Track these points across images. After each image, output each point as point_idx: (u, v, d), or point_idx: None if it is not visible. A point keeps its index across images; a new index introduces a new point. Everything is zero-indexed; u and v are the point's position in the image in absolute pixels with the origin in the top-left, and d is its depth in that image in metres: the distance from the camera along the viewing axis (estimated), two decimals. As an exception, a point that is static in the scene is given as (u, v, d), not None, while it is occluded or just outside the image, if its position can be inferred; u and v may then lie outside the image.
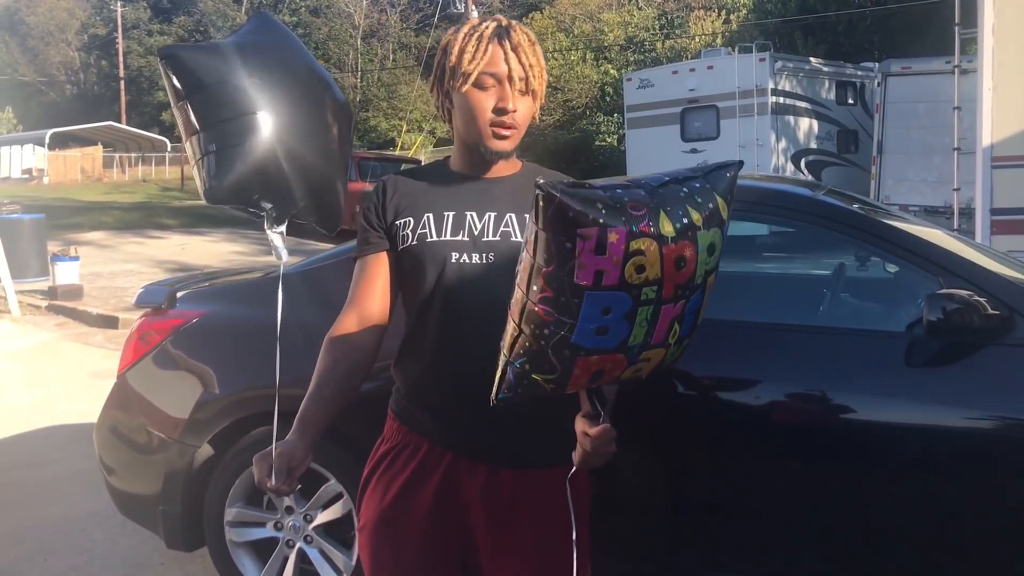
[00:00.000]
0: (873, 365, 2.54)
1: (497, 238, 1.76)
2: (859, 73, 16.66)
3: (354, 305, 1.87)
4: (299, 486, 1.79)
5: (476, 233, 1.77)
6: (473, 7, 30.22)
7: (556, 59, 40.14)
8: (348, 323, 1.86)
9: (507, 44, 1.73)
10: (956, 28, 7.12)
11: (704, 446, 2.63)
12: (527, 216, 1.67)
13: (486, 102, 1.73)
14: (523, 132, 1.77)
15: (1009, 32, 5.80)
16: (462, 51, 1.74)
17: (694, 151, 15.30)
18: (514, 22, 1.78)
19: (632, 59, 36.27)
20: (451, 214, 1.79)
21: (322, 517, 3.01)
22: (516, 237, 1.75)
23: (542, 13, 44.15)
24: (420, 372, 1.82)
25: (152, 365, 3.28)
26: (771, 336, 2.69)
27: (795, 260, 3.78)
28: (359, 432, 2.47)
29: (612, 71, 36.09)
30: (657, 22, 37.21)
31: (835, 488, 2.51)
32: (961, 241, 3.12)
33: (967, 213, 7.47)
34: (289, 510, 3.07)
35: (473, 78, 1.72)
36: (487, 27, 1.75)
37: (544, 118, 40.73)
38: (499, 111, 1.73)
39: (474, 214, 1.78)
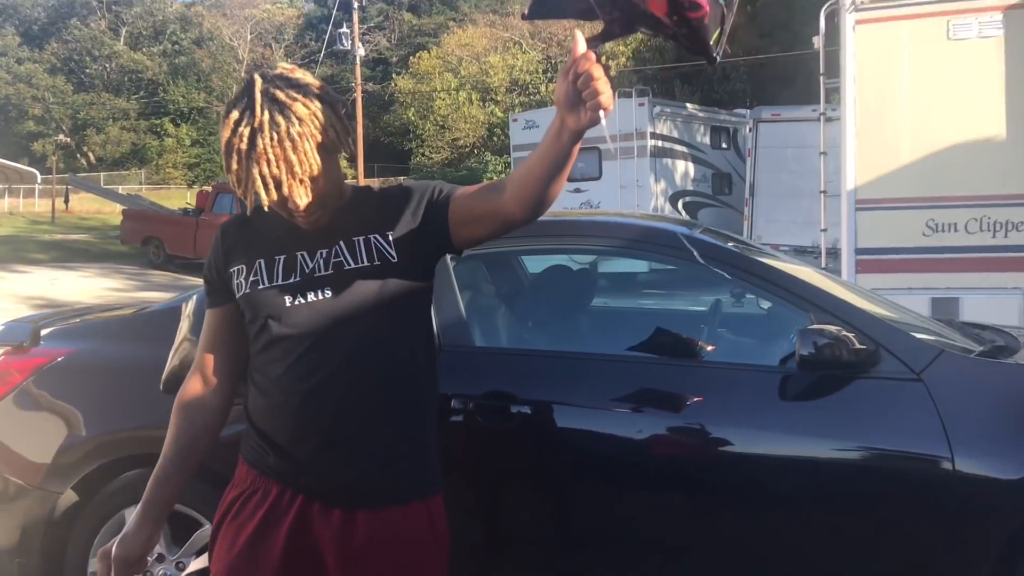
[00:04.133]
0: (749, 398, 2.62)
1: (330, 271, 1.74)
2: (732, 119, 17.38)
3: (198, 364, 1.85)
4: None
5: (308, 271, 1.74)
6: (359, 45, 30.17)
7: (444, 99, 40.46)
8: (193, 385, 1.84)
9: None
10: (821, 78, 7.50)
11: (583, 481, 2.64)
12: (358, 240, 1.72)
13: None
14: (322, 182, 1.67)
15: (870, 83, 6.17)
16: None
17: (578, 191, 15.56)
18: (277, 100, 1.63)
19: (517, 101, 36.87)
20: (282, 257, 1.76)
21: (195, 565, 2.87)
22: (349, 265, 1.74)
23: (429, 53, 44.49)
24: (267, 413, 1.78)
25: (12, 406, 3.09)
26: (651, 371, 2.74)
27: (674, 296, 3.88)
28: (233, 472, 2.38)
29: (498, 112, 36.53)
30: (541, 66, 37.97)
31: (713, 520, 2.56)
32: (829, 279, 3.27)
33: (834, 253, 7.82)
34: (160, 558, 2.92)
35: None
36: (244, 127, 1.62)
37: (432, 156, 40.92)
38: None
39: (305, 253, 1.76)
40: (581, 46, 1.48)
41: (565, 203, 14.98)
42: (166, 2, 57.48)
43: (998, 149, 5.91)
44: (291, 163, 1.60)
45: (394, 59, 52.40)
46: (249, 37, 54.09)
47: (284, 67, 1.72)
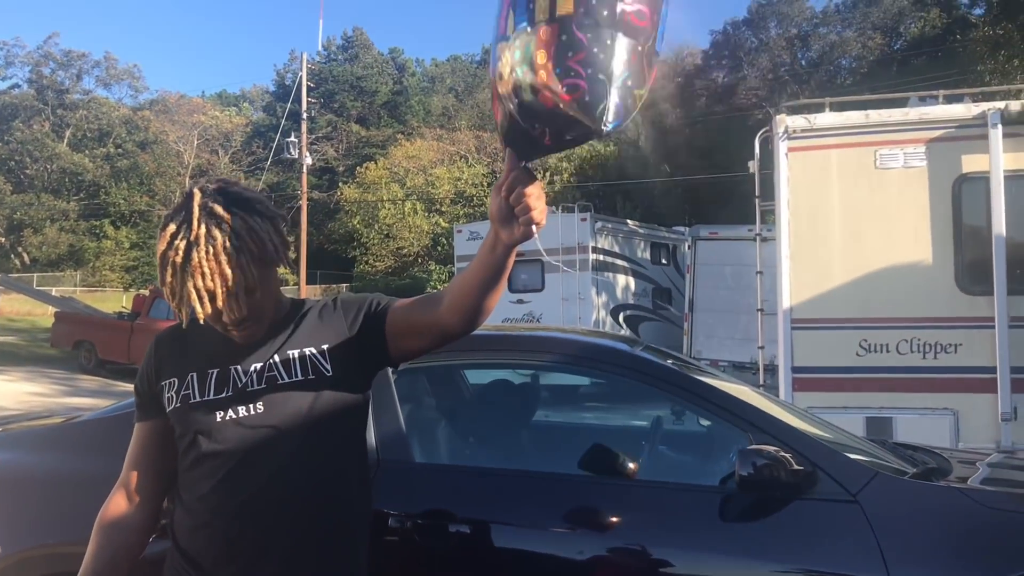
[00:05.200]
0: (690, 519, 2.60)
1: (263, 386, 1.72)
2: (672, 236, 17.84)
3: (123, 480, 1.81)
4: None
5: (240, 386, 1.72)
6: (306, 155, 30.52)
7: (389, 208, 40.86)
8: (116, 502, 1.79)
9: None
10: (756, 200, 7.77)
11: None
12: (293, 354, 1.70)
13: None
14: (259, 295, 1.67)
15: (803, 207, 6.41)
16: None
17: (520, 302, 15.68)
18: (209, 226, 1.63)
19: (462, 212, 37.41)
20: (215, 371, 1.74)
21: None
22: (283, 379, 1.72)
23: (376, 164, 45.14)
24: (192, 533, 1.73)
25: (-79, 521, 2.92)
26: (592, 490, 2.71)
27: (616, 411, 3.88)
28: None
29: (443, 223, 36.98)
30: (486, 179, 38.75)
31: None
32: (767, 398, 3.31)
33: (771, 369, 7.94)
34: None
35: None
36: (181, 240, 1.63)
37: (376, 264, 41.01)
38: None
39: (239, 367, 1.74)
40: (513, 162, 1.52)
41: (507, 314, 15.08)
42: (112, 105, 57.68)
43: (925, 273, 6.14)
44: (226, 277, 1.60)
45: (341, 168, 53.01)
46: (196, 143, 54.34)
47: (225, 180, 1.74)
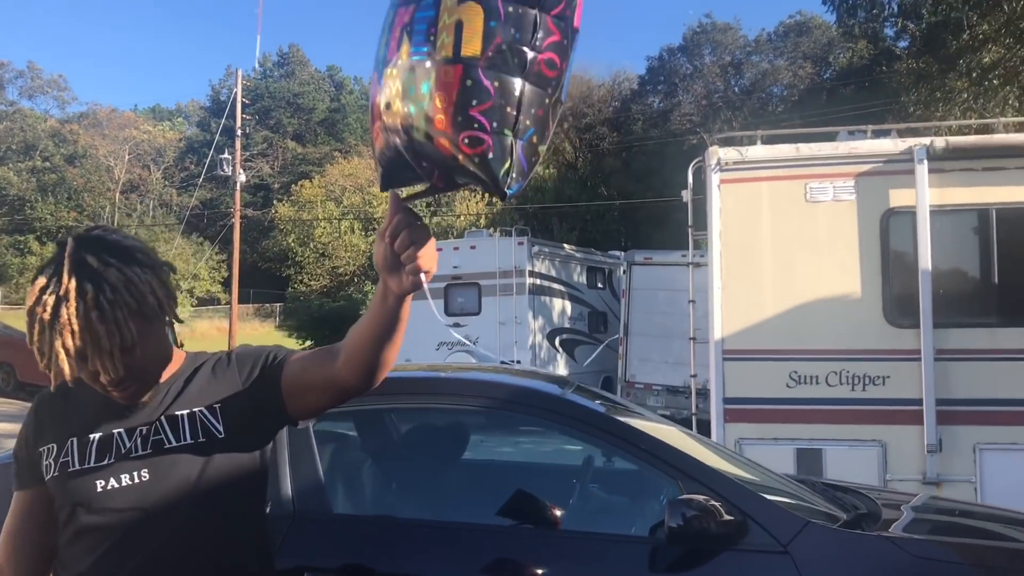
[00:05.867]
0: (620, 571, 2.53)
1: (148, 450, 1.59)
2: (608, 260, 17.94)
3: None
4: None
5: (124, 452, 1.59)
6: (240, 172, 30.04)
7: (325, 227, 40.45)
8: None
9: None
10: (690, 229, 7.81)
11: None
12: (182, 415, 1.59)
13: None
14: (139, 353, 1.55)
15: (735, 238, 6.44)
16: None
17: (457, 325, 15.57)
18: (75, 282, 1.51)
19: (399, 232, 37.12)
20: (97, 436, 1.61)
21: None
22: (170, 443, 1.60)
23: (312, 182, 44.69)
24: None
25: None
26: (520, 541, 2.63)
27: (544, 456, 3.80)
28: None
29: (380, 242, 36.71)
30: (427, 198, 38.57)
31: None
32: (697, 440, 3.27)
33: (704, 393, 7.97)
34: None
35: None
36: (49, 295, 1.51)
37: (310, 283, 40.49)
38: None
39: (122, 431, 1.61)
40: (397, 204, 1.42)
41: (443, 338, 14.96)
42: (38, 117, 56.07)
43: (854, 306, 6.21)
44: (97, 335, 1.47)
45: (276, 185, 52.37)
46: (127, 157, 53.13)
47: (104, 228, 1.62)
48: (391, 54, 1.41)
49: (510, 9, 1.32)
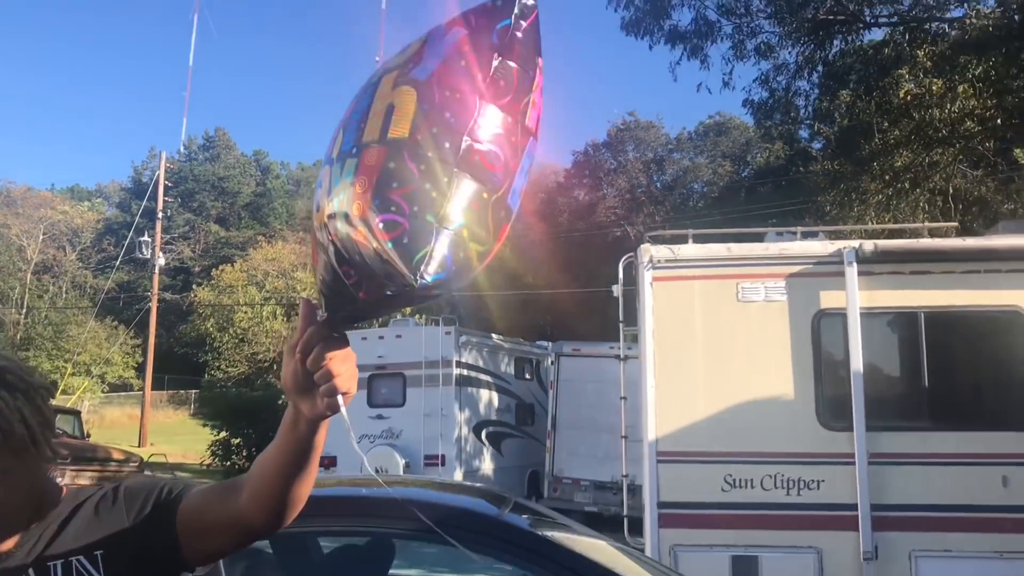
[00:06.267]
0: None
1: None
2: (535, 351, 17.81)
3: None
4: None
5: None
6: (160, 254, 29.35)
7: (246, 312, 39.61)
8: None
9: None
10: (620, 325, 7.72)
11: None
12: (55, 564, 1.37)
13: None
14: (1, 493, 1.35)
15: (668, 337, 6.36)
16: None
17: (380, 416, 15.19)
18: None
19: (323, 318, 36.56)
20: None
21: None
22: None
23: (234, 266, 43.94)
24: None
25: None
26: None
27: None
28: None
29: (302, 329, 36.04)
30: (350, 285, 38.19)
31: None
32: (626, 555, 3.07)
33: (632, 490, 7.79)
34: None
35: None
36: None
37: (228, 370, 39.34)
38: None
39: None
40: (310, 316, 1.24)
41: (366, 430, 14.52)
42: (-54, 194, 54.33)
43: (787, 408, 6.15)
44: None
45: (197, 269, 51.37)
46: (41, 237, 51.53)
47: None
48: (328, 151, 1.28)
49: (447, 93, 1.20)
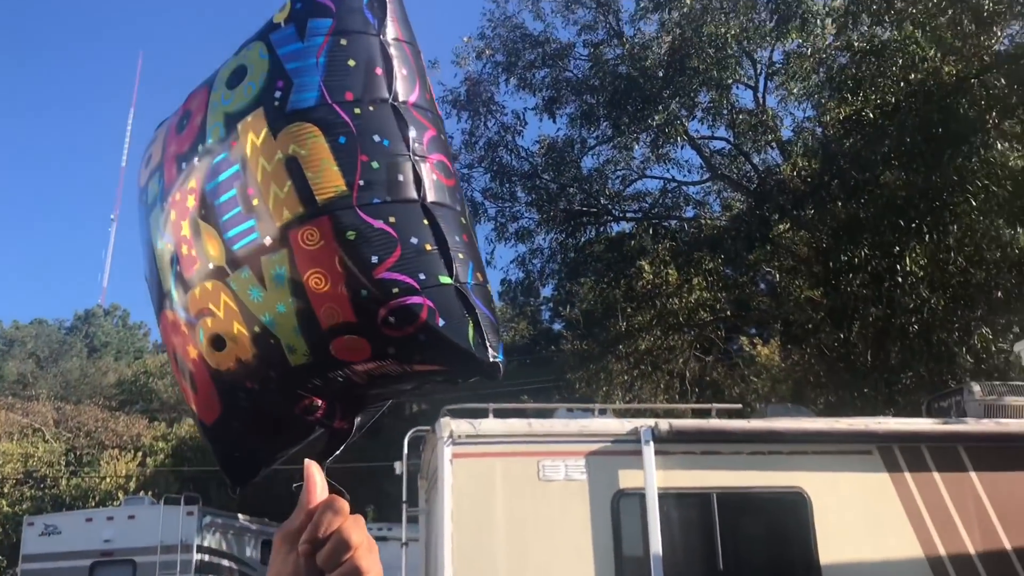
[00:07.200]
0: None
1: None
2: (284, 532, 16.60)
3: None
4: None
5: None
6: None
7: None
8: None
9: None
10: (404, 505, 7.27)
11: None
12: None
13: None
14: None
15: (467, 518, 6.02)
16: None
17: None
18: None
19: (29, 495, 32.34)
20: None
21: None
22: None
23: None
24: None
25: None
26: None
27: None
28: None
29: (5, 506, 31.69)
30: (64, 458, 34.25)
31: None
32: None
33: None
34: None
35: None
36: None
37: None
38: None
39: None
40: (320, 487, 0.91)
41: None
42: None
43: (592, 591, 5.92)
44: None
45: None
46: None
47: None
48: (188, 270, 0.93)
49: (356, 111, 0.89)
